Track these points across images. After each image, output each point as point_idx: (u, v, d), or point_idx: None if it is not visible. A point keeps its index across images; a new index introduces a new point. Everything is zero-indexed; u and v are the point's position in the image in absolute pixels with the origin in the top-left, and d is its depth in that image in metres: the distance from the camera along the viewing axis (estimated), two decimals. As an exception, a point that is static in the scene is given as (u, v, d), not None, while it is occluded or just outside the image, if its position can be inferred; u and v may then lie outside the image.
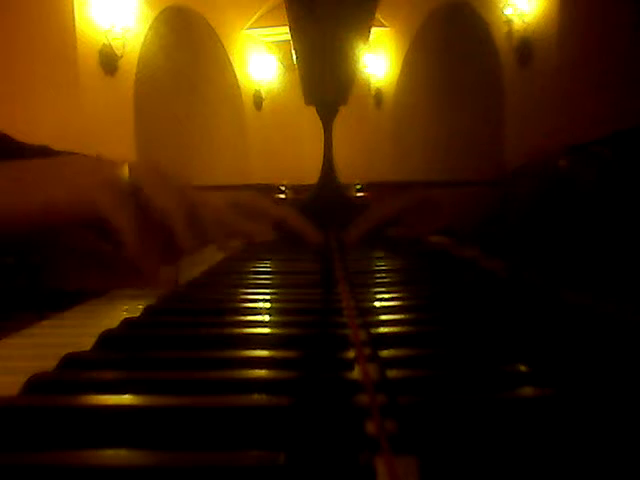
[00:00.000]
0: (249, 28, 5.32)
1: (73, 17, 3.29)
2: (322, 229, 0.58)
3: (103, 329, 0.30)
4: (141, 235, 0.37)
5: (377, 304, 0.37)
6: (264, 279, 0.50)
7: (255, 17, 5.24)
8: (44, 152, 0.60)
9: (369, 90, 5.62)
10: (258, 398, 0.21)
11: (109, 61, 3.57)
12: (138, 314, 0.36)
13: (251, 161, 5.41)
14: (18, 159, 0.39)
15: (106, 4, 3.47)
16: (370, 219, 0.61)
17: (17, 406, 0.20)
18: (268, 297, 0.42)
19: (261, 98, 5.60)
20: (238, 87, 5.37)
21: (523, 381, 0.22)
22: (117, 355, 0.27)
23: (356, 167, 4.38)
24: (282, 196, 4.52)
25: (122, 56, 3.66)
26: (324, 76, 1.16)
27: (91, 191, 0.37)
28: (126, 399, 0.21)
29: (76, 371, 0.25)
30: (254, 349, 0.27)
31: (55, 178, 0.38)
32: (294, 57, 1.18)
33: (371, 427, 0.17)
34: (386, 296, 0.40)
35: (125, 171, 0.38)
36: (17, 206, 0.36)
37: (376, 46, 5.32)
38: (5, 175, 0.37)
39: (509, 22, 3.88)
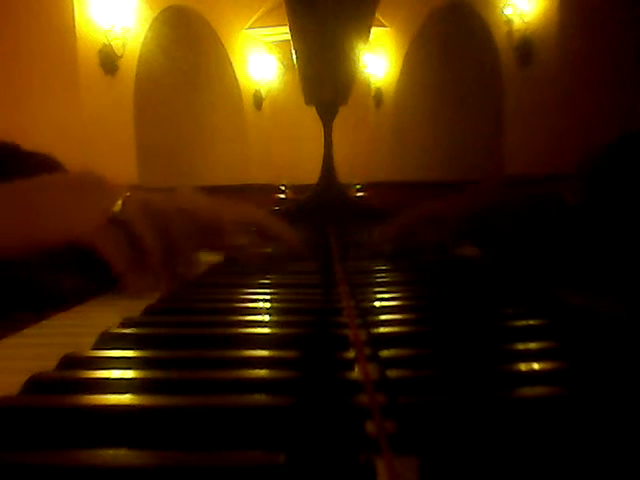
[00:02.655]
0: (249, 28, 5.32)
1: (73, 17, 3.29)
2: (319, 229, 0.59)
3: (103, 329, 0.30)
4: (126, 257, 0.42)
5: (377, 304, 0.37)
6: (264, 279, 0.50)
7: (255, 17, 5.24)
8: (46, 161, 0.62)
9: (369, 90, 5.61)
10: (258, 398, 0.21)
11: (109, 61, 3.57)
12: (138, 314, 0.36)
13: (251, 161, 5.41)
14: (17, 170, 0.42)
15: (106, 4, 3.46)
16: (398, 223, 0.62)
17: (17, 406, 0.20)
18: (268, 297, 0.42)
19: (261, 98, 5.59)
20: (238, 87, 5.36)
21: (523, 381, 0.22)
22: (117, 355, 0.27)
23: (356, 167, 4.37)
24: (282, 196, 4.52)
25: (122, 56, 3.66)
26: (324, 76, 1.16)
27: (81, 224, 0.42)
28: (126, 399, 0.21)
29: (76, 371, 0.25)
30: (254, 349, 0.27)
31: (49, 208, 0.43)
32: (294, 57, 1.18)
33: (371, 427, 0.17)
34: (386, 296, 0.40)
35: (118, 205, 0.43)
36: (9, 234, 0.41)
37: (376, 46, 5.32)
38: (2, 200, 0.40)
39: (509, 22, 3.88)
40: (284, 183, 4.77)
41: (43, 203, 0.42)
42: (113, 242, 0.42)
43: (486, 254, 0.60)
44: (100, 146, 3.37)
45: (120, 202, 0.43)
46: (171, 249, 0.45)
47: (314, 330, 0.31)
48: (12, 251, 0.40)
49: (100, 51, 3.51)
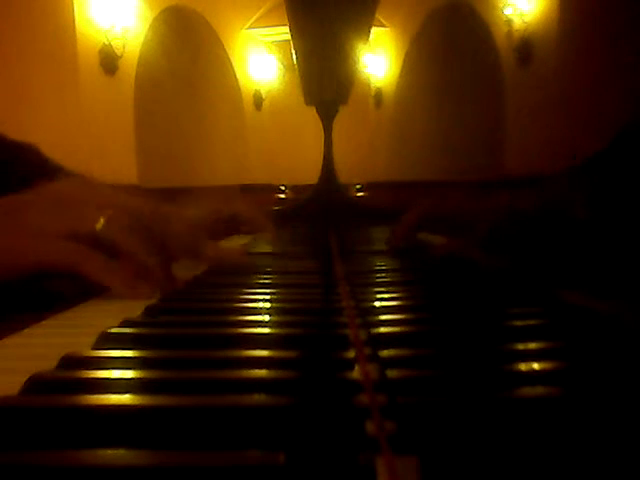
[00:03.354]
0: (249, 28, 5.32)
1: (73, 17, 3.29)
2: (319, 229, 0.60)
3: (103, 329, 0.30)
4: (116, 272, 0.41)
5: (377, 304, 0.37)
6: (264, 279, 0.50)
7: (255, 17, 5.24)
8: (29, 152, 0.61)
9: (369, 90, 5.62)
10: (258, 398, 0.21)
11: (109, 61, 3.57)
12: (138, 314, 0.36)
13: (251, 161, 5.41)
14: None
15: (106, 4, 3.46)
16: (412, 218, 0.63)
17: (17, 406, 0.20)
18: (268, 297, 0.42)
19: (261, 98, 5.60)
20: (238, 87, 5.37)
21: (523, 381, 0.22)
22: (117, 355, 0.27)
23: (356, 167, 4.37)
24: (282, 196, 4.53)
25: (122, 56, 3.67)
26: (324, 76, 1.16)
27: (59, 246, 0.41)
28: (126, 399, 0.21)
29: (76, 371, 0.25)
30: (254, 349, 0.27)
31: (26, 231, 0.41)
32: (294, 57, 1.18)
33: (371, 427, 0.17)
34: (386, 296, 0.40)
35: (101, 223, 0.42)
36: None
37: (376, 46, 5.32)
38: None
39: (509, 22, 3.88)
40: (284, 183, 4.77)
41: (20, 225, 0.41)
42: (98, 262, 0.41)
43: (486, 255, 0.60)
44: (100, 146, 3.38)
45: (102, 220, 0.42)
46: (166, 260, 0.45)
47: (314, 330, 0.31)
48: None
49: (100, 51, 3.51)
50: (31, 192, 0.43)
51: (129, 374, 0.24)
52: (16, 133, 0.61)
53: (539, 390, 0.21)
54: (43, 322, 0.36)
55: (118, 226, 0.42)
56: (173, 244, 0.47)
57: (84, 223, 0.42)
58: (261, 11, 5.15)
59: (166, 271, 0.46)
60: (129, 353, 0.27)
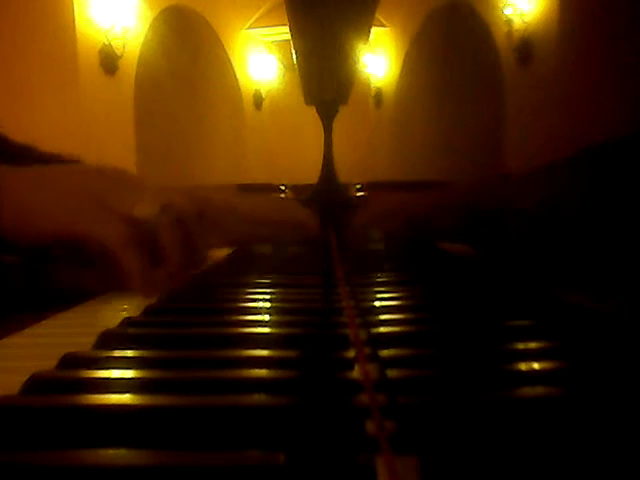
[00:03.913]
0: (249, 28, 5.32)
1: (73, 17, 3.29)
2: (322, 227, 0.60)
3: (103, 329, 0.30)
4: (145, 268, 0.39)
5: (377, 304, 0.37)
6: (264, 279, 0.50)
7: (255, 17, 5.24)
8: (57, 160, 0.60)
9: (369, 90, 5.62)
10: (258, 398, 0.21)
11: (109, 61, 3.57)
12: (138, 314, 0.36)
13: (251, 161, 5.40)
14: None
15: (106, 4, 3.46)
16: (375, 212, 0.63)
17: (17, 406, 0.20)
18: (268, 297, 0.42)
19: (261, 98, 5.59)
20: (238, 87, 5.37)
21: (523, 381, 0.22)
22: (117, 355, 0.27)
23: (356, 167, 4.37)
24: (282, 196, 4.53)
25: (122, 56, 3.66)
26: (324, 76, 1.16)
27: (97, 225, 0.38)
28: (126, 399, 0.21)
29: (76, 371, 0.25)
30: (254, 349, 0.27)
31: (71, 207, 0.40)
32: (294, 57, 1.18)
33: (371, 427, 0.17)
34: (386, 296, 0.40)
35: (153, 212, 0.40)
36: (35, 219, 0.38)
37: (376, 46, 5.32)
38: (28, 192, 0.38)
39: (509, 22, 3.88)
40: (284, 183, 4.77)
41: (73, 194, 0.39)
42: (136, 253, 0.39)
43: (483, 253, 0.60)
44: (100, 146, 3.37)
45: (156, 210, 0.40)
46: (188, 252, 0.44)
47: (314, 330, 0.31)
48: (37, 237, 0.38)
49: (100, 51, 3.51)
50: (88, 165, 0.42)
51: (129, 374, 0.24)
52: (15, 133, 0.61)
53: (539, 390, 0.21)
54: (43, 322, 0.36)
55: (168, 220, 0.41)
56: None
57: (141, 207, 0.40)
58: (261, 11, 5.15)
59: (189, 262, 0.45)
60: (129, 353, 0.27)
